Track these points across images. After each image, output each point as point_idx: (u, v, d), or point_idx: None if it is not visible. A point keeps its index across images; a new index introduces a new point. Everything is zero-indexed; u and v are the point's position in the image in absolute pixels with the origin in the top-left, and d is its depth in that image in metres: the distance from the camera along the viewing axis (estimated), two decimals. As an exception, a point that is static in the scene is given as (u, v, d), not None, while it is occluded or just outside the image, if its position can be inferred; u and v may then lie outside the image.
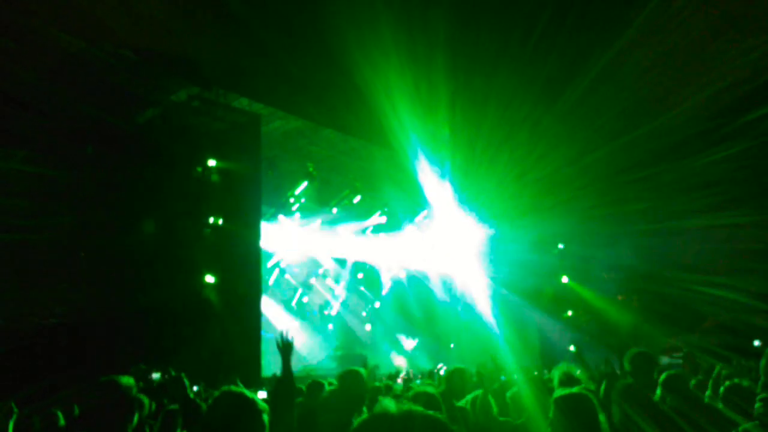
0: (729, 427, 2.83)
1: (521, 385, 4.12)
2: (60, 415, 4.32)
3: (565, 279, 19.06)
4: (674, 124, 12.47)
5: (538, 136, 13.46)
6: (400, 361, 19.36)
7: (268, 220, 16.72)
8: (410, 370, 12.78)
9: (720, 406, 3.56)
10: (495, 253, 18.42)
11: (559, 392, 2.56)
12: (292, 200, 16.69)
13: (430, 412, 1.18)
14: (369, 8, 9.30)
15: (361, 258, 19.78)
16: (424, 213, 19.08)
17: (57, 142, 9.66)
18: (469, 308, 18.69)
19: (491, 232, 18.15)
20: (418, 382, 9.17)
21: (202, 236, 11.56)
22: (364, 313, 20.76)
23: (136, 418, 2.77)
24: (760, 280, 13.09)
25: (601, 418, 2.47)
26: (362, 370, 4.12)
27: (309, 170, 15.77)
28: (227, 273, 11.61)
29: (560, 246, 19.21)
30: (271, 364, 16.26)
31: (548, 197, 15.77)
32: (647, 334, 16.57)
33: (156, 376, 5.75)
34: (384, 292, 20.95)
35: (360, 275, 20.42)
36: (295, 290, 19.44)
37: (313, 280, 19.80)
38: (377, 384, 7.35)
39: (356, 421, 1.22)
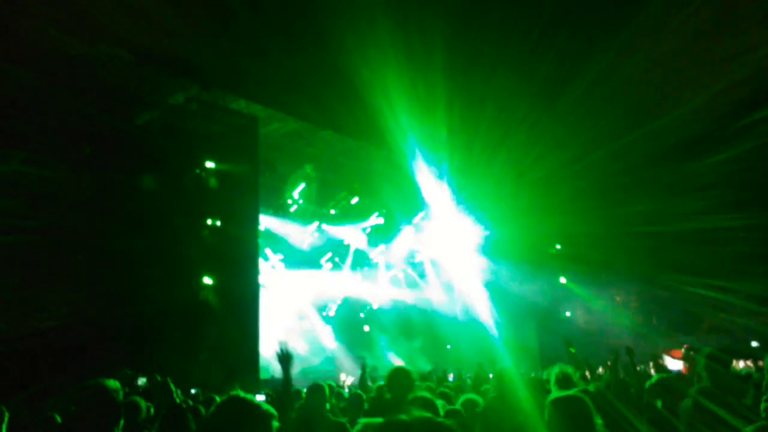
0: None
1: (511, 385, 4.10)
2: (58, 417, 4.31)
3: (563, 279, 19.09)
4: (672, 127, 12.50)
5: (536, 137, 13.47)
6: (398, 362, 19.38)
7: (265, 222, 16.73)
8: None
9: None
10: (493, 253, 18.43)
11: (555, 394, 2.56)
12: (290, 202, 16.69)
13: (446, 421, 1.17)
14: (367, 9, 9.30)
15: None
16: (422, 214, 19.10)
17: (55, 144, 9.64)
18: (467, 309, 18.70)
19: (489, 232, 18.16)
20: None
21: (201, 238, 11.56)
22: (362, 315, 20.76)
23: (122, 423, 2.76)
24: (759, 283, 13.12)
25: (597, 420, 2.47)
26: (411, 369, 4.03)
27: (307, 172, 15.78)
28: (225, 275, 11.60)
29: (558, 246, 19.24)
30: (269, 366, 16.26)
31: (546, 198, 15.79)
32: (645, 335, 16.60)
33: (142, 381, 5.72)
34: (382, 293, 20.95)
35: (359, 275, 20.43)
36: (293, 290, 19.42)
37: (311, 280, 19.78)
38: (374, 385, 7.35)
39: (368, 425, 1.21)
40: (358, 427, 2.10)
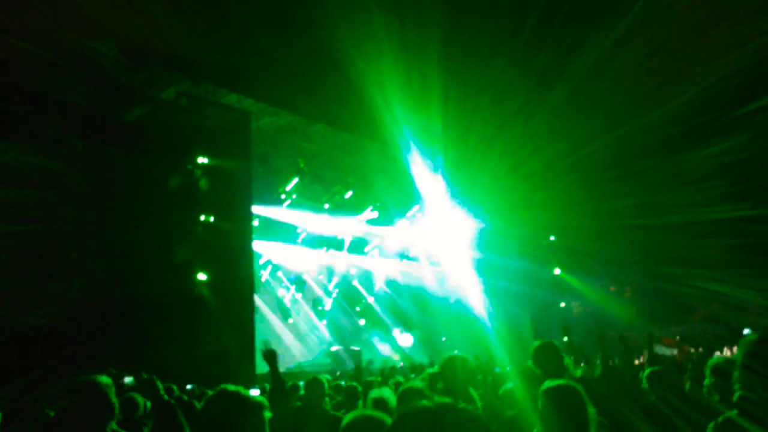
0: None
1: (513, 378, 4.13)
2: (51, 413, 4.30)
3: (557, 271, 19.18)
4: (667, 119, 12.53)
5: (531, 129, 13.48)
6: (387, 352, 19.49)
7: (259, 216, 16.69)
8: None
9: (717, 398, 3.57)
10: (487, 246, 18.48)
11: (547, 384, 2.57)
12: (283, 196, 16.65)
13: (466, 406, 1.17)
14: (361, 0, 9.25)
15: (353, 262, 19.85)
16: (417, 207, 19.10)
17: (46, 139, 9.56)
18: (462, 302, 18.76)
19: (483, 225, 18.20)
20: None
21: (194, 234, 11.50)
22: (357, 308, 20.79)
23: (114, 422, 2.75)
24: (753, 275, 13.23)
25: (590, 409, 2.48)
26: (468, 357, 3.79)
27: (300, 166, 15.71)
28: (220, 270, 11.57)
29: (552, 238, 19.31)
30: (270, 345, 16.23)
31: (541, 191, 15.83)
32: (639, 325, 16.73)
33: (128, 379, 5.69)
34: (377, 287, 20.99)
35: (353, 270, 20.45)
36: (288, 287, 19.43)
37: (306, 276, 19.79)
38: (371, 378, 7.38)
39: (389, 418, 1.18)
40: (355, 414, 2.10)
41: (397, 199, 18.28)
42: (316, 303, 20.05)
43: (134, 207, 10.58)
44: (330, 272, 20.28)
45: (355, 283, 20.77)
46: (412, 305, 20.59)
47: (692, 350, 12.01)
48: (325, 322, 20.03)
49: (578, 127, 13.28)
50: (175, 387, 5.62)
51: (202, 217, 11.56)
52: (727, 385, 3.40)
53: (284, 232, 18.04)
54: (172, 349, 9.69)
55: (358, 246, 20.33)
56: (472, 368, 3.63)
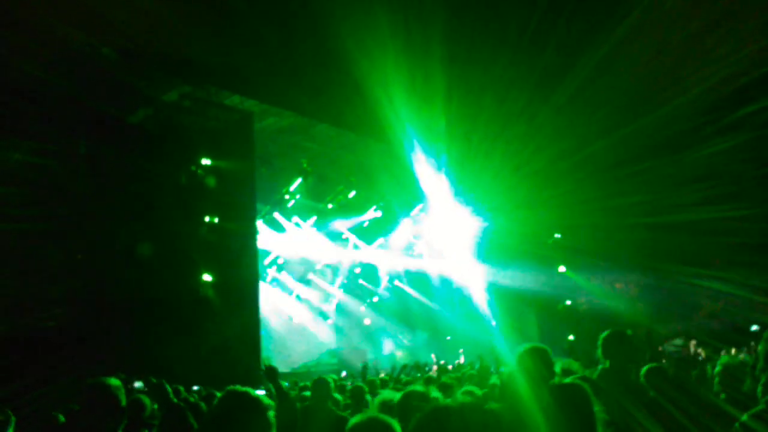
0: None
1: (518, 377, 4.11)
2: (61, 417, 4.32)
3: (562, 268, 19.12)
4: (671, 117, 12.48)
5: (535, 128, 13.44)
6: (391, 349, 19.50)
7: (263, 217, 16.73)
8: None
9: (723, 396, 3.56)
10: (491, 244, 18.46)
11: (554, 382, 2.57)
12: (287, 197, 16.67)
13: (493, 405, 1.16)
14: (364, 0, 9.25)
15: (357, 258, 19.84)
16: (420, 206, 19.09)
17: (49, 141, 9.59)
18: (466, 301, 18.74)
19: (487, 223, 18.17)
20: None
21: (199, 235, 11.54)
22: (362, 308, 20.80)
23: (125, 423, 2.75)
24: (757, 274, 13.17)
25: (596, 407, 2.47)
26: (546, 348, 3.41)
27: (303, 166, 15.73)
28: (224, 271, 11.60)
29: (557, 236, 19.25)
30: (271, 361, 16.27)
31: (545, 189, 15.79)
32: (645, 323, 16.66)
33: (138, 384, 5.70)
34: (382, 286, 20.99)
35: (358, 270, 20.45)
36: (294, 287, 19.46)
37: (311, 276, 19.81)
38: (376, 378, 7.39)
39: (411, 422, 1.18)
40: (361, 417, 2.11)
41: (401, 198, 18.27)
42: (321, 302, 20.09)
43: (138, 208, 10.62)
44: (335, 271, 20.30)
45: (361, 281, 20.78)
46: (416, 304, 20.59)
47: (699, 349, 11.96)
48: (330, 321, 20.06)
49: (582, 126, 13.24)
50: (182, 388, 5.64)
51: (207, 218, 11.59)
52: (736, 384, 3.40)
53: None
54: (177, 350, 9.73)
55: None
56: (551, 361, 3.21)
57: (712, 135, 12.43)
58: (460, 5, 10.10)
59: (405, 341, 20.41)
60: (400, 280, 21.07)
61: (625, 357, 3.40)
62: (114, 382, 2.75)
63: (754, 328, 13.75)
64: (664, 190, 14.43)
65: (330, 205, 18.04)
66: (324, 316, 19.99)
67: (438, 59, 10.81)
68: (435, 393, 4.18)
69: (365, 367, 8.13)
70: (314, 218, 18.17)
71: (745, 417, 2.32)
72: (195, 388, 7.05)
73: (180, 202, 11.30)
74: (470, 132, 14.04)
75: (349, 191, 17.64)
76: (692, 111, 12.23)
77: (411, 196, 17.95)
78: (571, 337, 18.52)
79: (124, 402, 2.79)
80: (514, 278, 18.22)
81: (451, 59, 11.01)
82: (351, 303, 20.57)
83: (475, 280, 18.03)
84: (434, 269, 20.62)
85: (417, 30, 10.23)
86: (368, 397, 4.99)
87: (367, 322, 20.69)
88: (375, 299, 20.91)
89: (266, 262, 17.85)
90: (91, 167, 10.43)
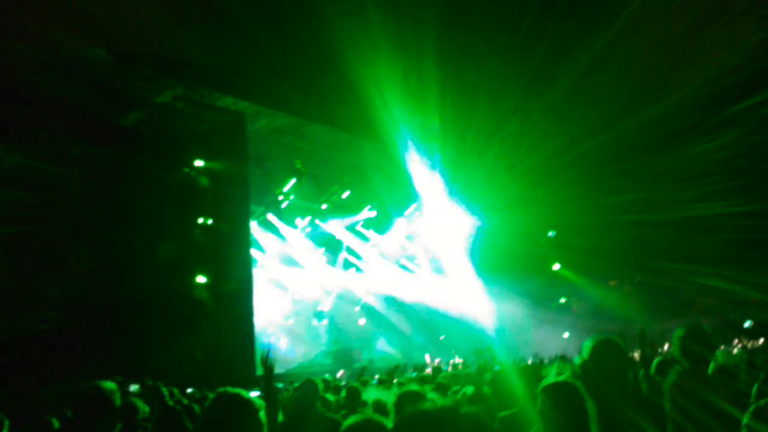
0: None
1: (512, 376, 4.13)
2: (55, 422, 4.29)
3: (556, 266, 19.19)
4: (664, 115, 12.54)
5: (528, 126, 13.47)
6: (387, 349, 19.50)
7: (257, 218, 16.69)
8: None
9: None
10: (485, 242, 18.49)
11: (546, 381, 2.57)
12: (281, 198, 16.63)
13: (471, 408, 1.16)
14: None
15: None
16: (415, 205, 19.10)
17: (43, 142, 9.53)
18: (461, 299, 18.75)
19: (482, 222, 18.20)
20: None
21: (193, 237, 11.50)
22: (357, 308, 20.79)
23: (119, 426, 2.74)
24: (752, 270, 13.25)
25: (589, 405, 2.48)
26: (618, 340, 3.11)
27: (297, 167, 15.69)
28: (218, 273, 11.57)
29: (550, 234, 19.32)
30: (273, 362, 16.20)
31: (539, 188, 15.83)
32: (639, 319, 16.76)
33: (134, 387, 5.67)
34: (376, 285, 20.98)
35: (353, 268, 20.44)
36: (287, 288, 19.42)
37: (306, 275, 19.77)
38: (370, 379, 7.38)
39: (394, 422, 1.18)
40: (356, 419, 2.11)
41: (394, 197, 18.27)
42: (315, 303, 20.05)
43: (132, 210, 10.56)
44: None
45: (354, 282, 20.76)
46: (410, 304, 20.59)
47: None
48: (324, 322, 20.03)
49: (575, 124, 13.28)
50: (176, 390, 5.61)
51: (200, 220, 11.55)
52: (731, 383, 3.41)
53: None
54: (171, 352, 9.69)
55: (354, 251, 20.32)
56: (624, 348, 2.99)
57: (706, 132, 12.50)
58: (453, 5, 10.11)
59: (399, 342, 20.39)
60: (394, 279, 21.07)
61: (614, 364, 3.24)
62: (108, 385, 2.74)
63: (747, 324, 13.85)
64: (657, 188, 14.51)
65: (324, 206, 18.02)
66: (319, 316, 19.96)
67: (431, 59, 10.82)
68: (431, 394, 4.18)
69: (361, 368, 8.12)
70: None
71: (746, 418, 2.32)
72: (189, 390, 7.02)
73: (173, 204, 11.26)
74: (464, 131, 14.06)
75: (343, 191, 17.63)
76: (685, 108, 12.29)
77: (405, 195, 17.96)
78: (566, 335, 18.61)
79: (118, 405, 2.78)
80: (508, 276, 18.27)
81: (444, 59, 11.01)
82: (345, 304, 20.55)
83: (469, 277, 18.05)
84: (428, 268, 20.63)
85: (410, 30, 10.23)
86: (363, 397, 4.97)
87: (361, 322, 20.68)
88: (369, 300, 20.90)
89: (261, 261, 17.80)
90: (84, 169, 10.37)
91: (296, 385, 6.24)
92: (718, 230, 13.93)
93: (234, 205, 12.36)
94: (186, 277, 11.18)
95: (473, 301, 17.55)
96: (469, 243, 18.36)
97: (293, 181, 16.08)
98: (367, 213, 19.05)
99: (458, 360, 10.80)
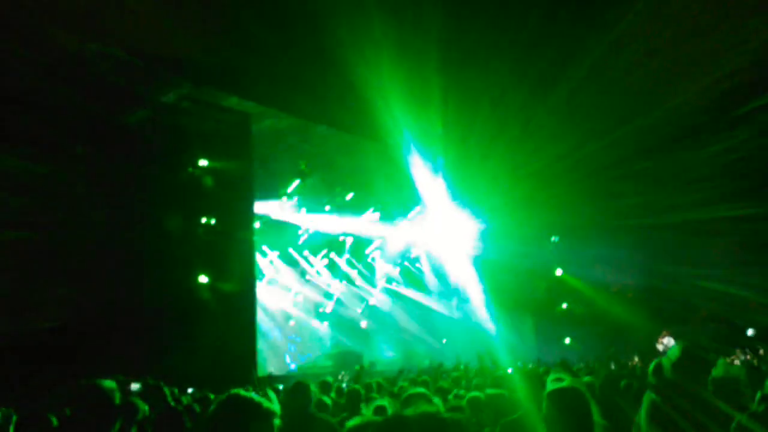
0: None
1: (515, 379, 4.12)
2: (54, 420, 4.28)
3: (559, 271, 19.13)
4: (667, 118, 12.50)
5: (531, 130, 13.46)
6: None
7: (260, 218, 16.70)
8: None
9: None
10: (488, 246, 18.46)
11: (552, 386, 2.55)
12: (284, 198, 16.65)
13: (453, 415, 1.15)
14: (361, 2, 9.25)
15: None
16: (418, 208, 19.09)
17: (47, 142, 9.56)
18: (463, 303, 18.73)
19: (484, 226, 18.17)
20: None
21: (196, 236, 11.51)
22: (359, 310, 20.77)
23: (118, 425, 2.73)
24: (757, 274, 13.18)
25: (594, 410, 2.46)
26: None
27: (301, 168, 15.73)
28: (221, 272, 11.58)
29: (554, 239, 19.27)
30: (267, 363, 16.26)
31: (542, 191, 15.80)
32: (642, 325, 16.69)
33: (136, 386, 5.67)
34: (378, 289, 20.97)
35: (355, 271, 20.44)
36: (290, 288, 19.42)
37: (308, 277, 19.78)
38: (371, 381, 7.36)
39: (369, 423, 1.18)
40: (356, 421, 2.07)
41: (398, 200, 18.27)
42: (317, 305, 20.04)
43: (136, 210, 10.60)
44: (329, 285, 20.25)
45: (357, 284, 20.75)
46: (412, 306, 20.57)
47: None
48: (326, 323, 20.02)
49: (579, 127, 13.25)
50: (176, 390, 5.61)
51: (204, 220, 11.58)
52: (734, 397, 3.37)
53: (285, 235, 18.05)
54: (173, 352, 9.69)
55: (359, 247, 20.32)
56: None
57: (710, 135, 12.45)
58: (457, 7, 10.11)
59: (401, 344, 20.36)
60: (397, 282, 21.06)
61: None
62: (107, 384, 2.74)
63: (750, 332, 13.75)
64: (661, 191, 14.46)
65: (327, 207, 18.03)
66: (320, 318, 19.95)
67: (434, 62, 10.83)
68: (435, 398, 4.15)
69: (360, 370, 8.08)
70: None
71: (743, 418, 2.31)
72: (189, 390, 7.02)
73: (177, 204, 11.28)
74: (467, 134, 14.05)
75: (347, 193, 17.64)
76: (690, 111, 12.26)
77: (408, 198, 17.96)
78: (567, 341, 18.54)
79: (117, 404, 2.77)
80: (510, 280, 18.22)
81: (447, 62, 11.02)
82: (348, 305, 20.54)
83: (471, 281, 18.02)
84: (430, 271, 20.61)
85: (414, 33, 10.24)
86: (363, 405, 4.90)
87: (363, 324, 20.66)
88: (371, 302, 20.88)
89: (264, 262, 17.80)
90: (87, 169, 10.40)
91: (286, 387, 6.08)
92: (723, 234, 13.88)
93: (238, 205, 12.39)
94: (189, 276, 11.19)
95: (475, 304, 17.52)
96: (472, 246, 18.33)
97: (297, 181, 16.10)
98: (371, 215, 19.06)
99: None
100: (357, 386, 5.69)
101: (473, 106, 12.70)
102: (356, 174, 16.90)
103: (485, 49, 11.33)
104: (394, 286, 21.14)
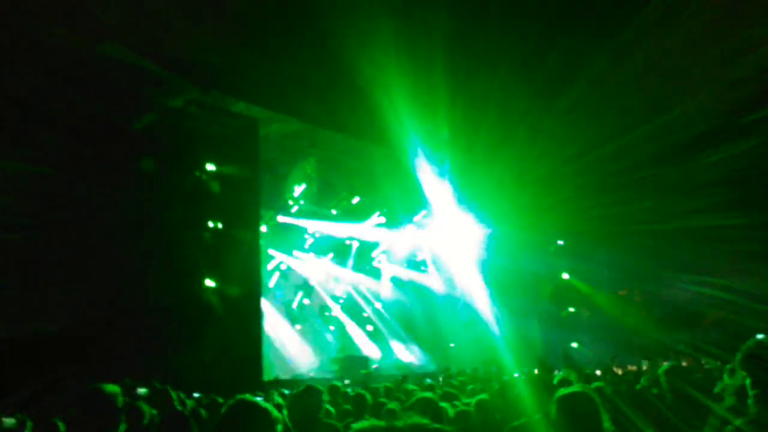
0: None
1: (522, 385, 4.11)
2: (61, 425, 4.31)
3: (565, 275, 19.05)
4: (673, 125, 12.46)
5: (537, 135, 13.45)
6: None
7: (267, 222, 16.75)
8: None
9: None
10: (495, 251, 18.42)
11: (561, 392, 2.54)
12: (290, 202, 16.69)
13: (444, 427, 1.14)
14: (368, 7, 9.29)
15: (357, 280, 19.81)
16: (424, 212, 19.08)
17: (55, 144, 9.63)
18: (469, 307, 18.66)
19: (491, 230, 18.14)
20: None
21: (202, 240, 11.56)
22: (365, 314, 20.74)
23: (122, 428, 2.75)
24: (760, 282, 13.07)
25: (604, 416, 2.45)
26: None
27: (308, 172, 15.77)
28: (227, 277, 11.61)
29: (560, 242, 19.20)
30: (272, 367, 16.25)
31: (548, 196, 15.76)
32: (647, 333, 16.59)
33: (142, 390, 5.69)
34: (383, 294, 20.95)
35: (361, 275, 20.43)
36: (296, 292, 19.42)
37: (313, 282, 19.78)
38: (379, 386, 7.35)
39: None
40: (363, 425, 2.07)
41: (404, 204, 18.28)
42: (323, 309, 20.03)
43: (143, 214, 10.65)
44: (337, 278, 20.28)
45: (363, 288, 20.73)
46: (419, 311, 20.52)
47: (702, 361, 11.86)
48: (332, 328, 20.00)
49: (585, 133, 13.23)
50: (182, 395, 5.62)
51: (210, 224, 11.62)
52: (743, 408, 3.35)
53: (292, 239, 18.08)
54: (179, 356, 9.72)
55: (365, 251, 20.32)
56: None
57: (719, 142, 12.39)
58: (464, 12, 10.14)
59: (402, 356, 20.28)
60: (403, 287, 21.02)
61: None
62: (111, 388, 2.77)
63: (760, 337, 13.61)
64: (668, 197, 14.38)
65: (334, 211, 18.05)
66: (326, 322, 19.93)
67: (441, 67, 10.86)
68: (442, 403, 4.15)
69: (365, 374, 8.07)
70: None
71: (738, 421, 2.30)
72: (196, 395, 7.03)
73: (184, 207, 11.33)
74: (473, 138, 14.05)
75: (353, 197, 17.66)
76: (696, 118, 12.21)
77: (415, 202, 17.96)
78: (574, 345, 18.44)
79: (120, 407, 2.79)
80: (516, 285, 18.16)
81: (454, 67, 11.05)
82: (353, 310, 20.52)
83: (477, 286, 17.97)
84: (437, 275, 20.57)
85: (421, 39, 10.28)
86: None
87: (369, 328, 20.62)
88: (377, 305, 20.86)
89: (269, 267, 17.81)
90: (95, 172, 10.47)
91: (295, 392, 6.03)
92: (730, 241, 13.77)
93: (244, 209, 12.43)
94: (195, 280, 11.23)
95: (482, 309, 17.45)
96: (478, 250, 18.29)
97: (304, 186, 16.15)
98: (377, 219, 19.06)
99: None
100: (363, 391, 5.67)
101: (480, 111, 12.71)
102: (363, 178, 16.93)
103: (492, 54, 11.34)
104: (399, 290, 21.10)
